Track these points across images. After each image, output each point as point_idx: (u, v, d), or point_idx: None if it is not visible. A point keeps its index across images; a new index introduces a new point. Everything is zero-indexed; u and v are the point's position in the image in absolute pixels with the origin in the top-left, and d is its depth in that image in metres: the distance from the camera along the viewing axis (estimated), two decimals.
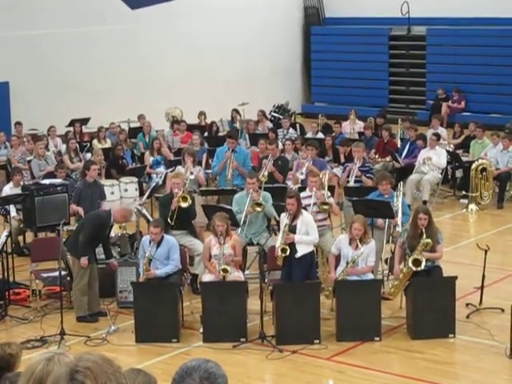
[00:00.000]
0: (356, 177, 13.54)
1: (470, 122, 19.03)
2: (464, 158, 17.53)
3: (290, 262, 10.71)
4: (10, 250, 12.07)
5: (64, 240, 11.41)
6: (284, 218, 10.92)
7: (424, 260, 10.34)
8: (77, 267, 10.96)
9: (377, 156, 17.62)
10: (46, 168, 16.25)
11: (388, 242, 12.01)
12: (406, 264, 10.52)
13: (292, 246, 10.68)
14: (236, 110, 21.78)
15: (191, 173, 13.31)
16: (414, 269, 10.37)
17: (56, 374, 2.78)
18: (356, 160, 13.76)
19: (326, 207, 11.77)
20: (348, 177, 13.65)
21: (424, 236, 10.41)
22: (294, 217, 10.77)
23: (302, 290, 10.33)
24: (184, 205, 11.77)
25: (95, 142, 18.55)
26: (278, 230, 11.35)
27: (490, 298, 11.18)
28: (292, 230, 10.72)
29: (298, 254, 10.68)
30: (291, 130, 19.78)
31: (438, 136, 17.16)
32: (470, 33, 25.61)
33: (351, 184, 13.54)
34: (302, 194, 11.62)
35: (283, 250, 10.62)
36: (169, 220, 11.69)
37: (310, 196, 11.77)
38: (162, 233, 10.85)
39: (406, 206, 12.34)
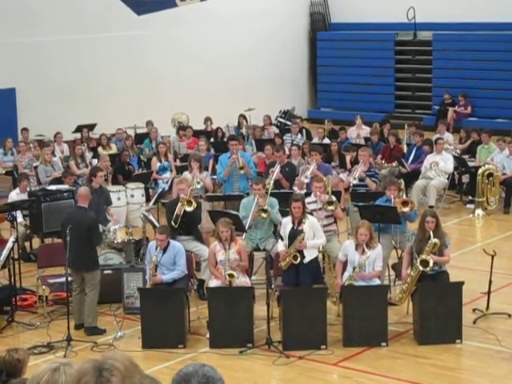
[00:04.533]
0: (360, 179, 13.51)
1: (472, 129, 18.99)
2: (470, 163, 17.51)
3: (297, 267, 10.70)
4: (16, 256, 12.07)
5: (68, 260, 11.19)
6: (287, 223, 10.91)
7: (432, 261, 10.32)
8: (91, 279, 10.75)
9: (383, 161, 17.59)
10: (52, 174, 16.29)
11: (395, 247, 12.01)
12: (414, 267, 10.51)
13: (300, 252, 10.68)
14: (243, 116, 21.77)
15: (198, 182, 13.29)
16: (422, 269, 10.34)
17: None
18: (361, 163, 13.74)
19: (331, 207, 11.71)
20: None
21: (431, 237, 10.40)
22: (300, 221, 10.77)
23: (308, 295, 10.31)
24: (189, 209, 11.76)
25: (100, 148, 18.58)
26: (280, 235, 11.27)
27: (496, 303, 11.16)
28: (298, 234, 10.71)
29: (306, 260, 10.67)
30: (298, 135, 19.78)
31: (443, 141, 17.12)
32: (476, 38, 25.60)
33: (354, 182, 13.50)
34: (308, 200, 11.59)
35: (295, 257, 10.61)
36: (172, 223, 11.69)
37: (316, 201, 11.76)
38: (167, 239, 10.84)
39: (413, 212, 12.29)
